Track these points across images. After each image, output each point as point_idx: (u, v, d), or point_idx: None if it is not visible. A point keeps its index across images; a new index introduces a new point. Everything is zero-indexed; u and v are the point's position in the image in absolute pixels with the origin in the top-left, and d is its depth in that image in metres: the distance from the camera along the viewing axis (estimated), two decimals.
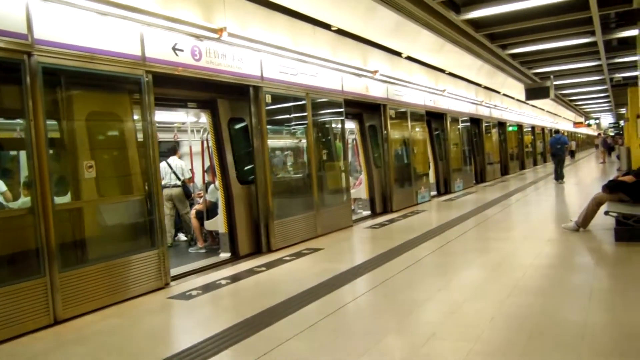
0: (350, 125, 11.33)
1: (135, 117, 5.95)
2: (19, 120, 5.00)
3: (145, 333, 4.36)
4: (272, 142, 8.11)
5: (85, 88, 5.59)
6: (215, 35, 6.50)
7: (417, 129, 13.28)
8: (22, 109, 4.58)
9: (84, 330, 4.49)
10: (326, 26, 8.85)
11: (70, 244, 5.10)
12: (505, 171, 21.82)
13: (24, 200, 5.63)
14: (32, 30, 4.57)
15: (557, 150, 16.43)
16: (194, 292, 5.44)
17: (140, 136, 5.83)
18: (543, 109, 30.27)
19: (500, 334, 3.81)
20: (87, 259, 5.20)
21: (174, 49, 6.03)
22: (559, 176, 16.31)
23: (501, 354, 3.43)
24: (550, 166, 25.98)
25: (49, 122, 4.82)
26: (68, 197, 5.71)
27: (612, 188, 7.42)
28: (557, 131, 20.43)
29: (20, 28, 4.49)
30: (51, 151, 4.90)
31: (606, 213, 6.93)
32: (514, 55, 14.44)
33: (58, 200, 4.97)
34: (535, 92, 17.11)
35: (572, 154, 33.73)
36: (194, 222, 8.43)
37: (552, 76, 17.36)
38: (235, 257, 7.24)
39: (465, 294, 4.93)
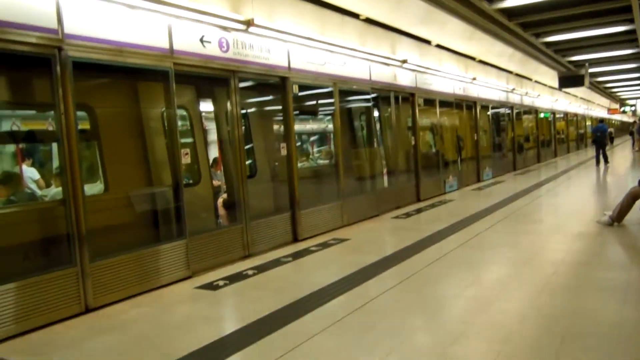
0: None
1: (161, 107, 6.01)
2: (50, 113, 5.08)
3: (173, 324, 4.41)
4: (298, 130, 8.10)
5: (113, 80, 5.65)
6: (243, 27, 6.48)
7: (444, 117, 13.12)
8: (53, 102, 4.64)
9: (114, 318, 4.58)
10: (354, 15, 8.74)
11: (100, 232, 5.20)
12: (537, 159, 21.43)
13: (57, 191, 5.75)
14: (63, 24, 4.61)
15: (598, 137, 17.90)
16: (220, 282, 5.49)
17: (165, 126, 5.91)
18: (576, 96, 29.49)
19: (531, 336, 3.73)
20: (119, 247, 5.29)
21: (202, 40, 6.03)
22: (601, 160, 17.79)
23: (532, 358, 3.36)
24: (583, 154, 25.51)
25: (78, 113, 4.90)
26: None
27: None
28: (601, 120, 21.58)
29: (51, 23, 4.53)
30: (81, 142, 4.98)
31: None
32: (547, 44, 14.06)
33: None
34: (569, 80, 16.71)
35: (612, 140, 33.35)
36: (222, 211, 8.49)
37: (587, 64, 16.88)
38: None
39: (494, 291, 4.85)
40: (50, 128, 5.25)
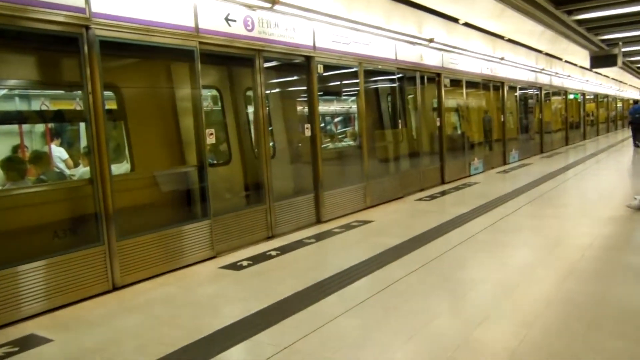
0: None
1: (187, 87, 6.02)
2: (78, 92, 5.13)
3: (198, 303, 4.48)
4: (322, 112, 8.06)
5: (139, 60, 5.66)
6: (268, 5, 6.40)
7: (471, 98, 12.90)
8: (80, 81, 4.68)
9: (140, 297, 4.66)
10: None
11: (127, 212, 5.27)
12: (565, 141, 21.00)
13: (84, 171, 5.84)
14: (90, 3, 4.62)
15: (636, 119, 18.04)
16: (244, 263, 5.53)
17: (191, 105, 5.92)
18: (608, 76, 28.64)
19: (557, 322, 3.67)
20: (144, 227, 5.35)
21: (227, 19, 5.99)
22: (637, 142, 17.97)
23: (558, 344, 3.31)
24: (613, 137, 24.89)
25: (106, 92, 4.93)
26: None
27: None
28: (636, 101, 21.66)
29: (79, 2, 4.54)
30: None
31: None
32: (580, 21, 13.59)
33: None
34: (601, 60, 16.18)
35: None
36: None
37: (620, 43, 16.30)
38: None
39: (519, 275, 4.79)
40: (78, 108, 5.31)
